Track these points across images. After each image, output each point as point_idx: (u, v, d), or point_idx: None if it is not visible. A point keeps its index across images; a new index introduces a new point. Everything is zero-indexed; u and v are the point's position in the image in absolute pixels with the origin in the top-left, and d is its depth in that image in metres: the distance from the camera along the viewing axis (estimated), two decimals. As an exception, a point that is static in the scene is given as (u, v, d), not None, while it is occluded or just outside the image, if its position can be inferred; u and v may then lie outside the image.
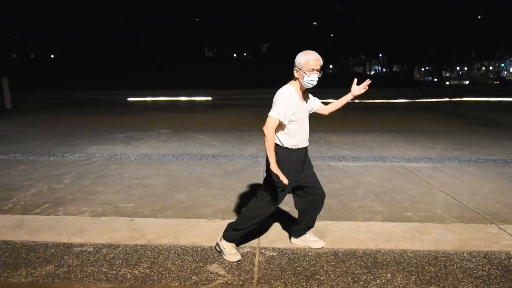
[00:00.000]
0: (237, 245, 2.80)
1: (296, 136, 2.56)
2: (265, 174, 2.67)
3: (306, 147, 2.67)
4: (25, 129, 9.29)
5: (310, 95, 2.76)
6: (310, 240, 2.92)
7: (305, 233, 2.93)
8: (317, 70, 2.44)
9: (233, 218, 3.48)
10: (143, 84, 27.26)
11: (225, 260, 2.67)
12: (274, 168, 2.39)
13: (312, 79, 2.45)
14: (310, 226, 2.91)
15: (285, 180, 2.37)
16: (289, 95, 2.48)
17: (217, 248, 2.79)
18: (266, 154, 2.49)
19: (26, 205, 3.83)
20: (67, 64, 36.52)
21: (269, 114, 2.44)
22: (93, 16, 36.11)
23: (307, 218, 2.82)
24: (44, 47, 41.67)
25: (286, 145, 2.57)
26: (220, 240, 2.75)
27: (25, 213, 3.61)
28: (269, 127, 2.42)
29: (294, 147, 2.58)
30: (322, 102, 2.88)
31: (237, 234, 2.69)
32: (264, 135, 2.44)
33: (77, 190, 4.33)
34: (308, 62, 2.43)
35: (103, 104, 17.28)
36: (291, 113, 2.46)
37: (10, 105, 14.82)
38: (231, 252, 2.69)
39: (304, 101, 2.63)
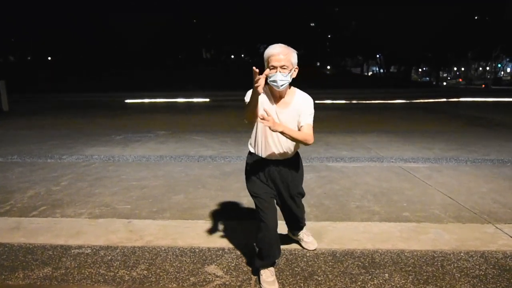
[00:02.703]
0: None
1: (255, 141, 2.33)
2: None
3: (273, 161, 2.29)
4: (22, 132, 9.26)
5: (304, 109, 2.18)
6: (302, 240, 2.89)
7: (298, 232, 2.88)
8: (281, 67, 2.00)
9: (231, 220, 3.49)
10: (141, 86, 27.25)
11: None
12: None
13: (273, 79, 2.02)
14: (297, 229, 2.85)
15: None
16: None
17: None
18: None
19: (23, 207, 3.82)
20: (64, 66, 36.47)
21: None
22: (90, 18, 36.06)
23: (289, 224, 2.80)
24: (41, 50, 41.58)
25: (250, 149, 2.45)
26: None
27: (22, 215, 3.59)
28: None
29: (252, 151, 2.36)
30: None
31: (260, 256, 2.41)
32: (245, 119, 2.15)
33: (75, 192, 4.32)
34: (269, 58, 2.03)
35: (100, 106, 17.25)
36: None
37: (7, 107, 14.79)
38: (267, 280, 2.35)
39: (279, 109, 2.19)
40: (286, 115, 2.17)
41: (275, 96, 2.20)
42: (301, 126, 2.17)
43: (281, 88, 2.07)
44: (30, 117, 12.89)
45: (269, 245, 2.35)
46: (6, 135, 8.77)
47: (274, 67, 2.01)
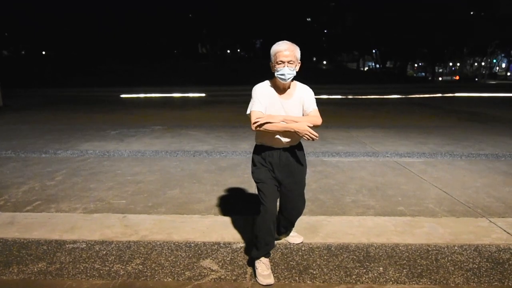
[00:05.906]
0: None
1: (264, 135, 2.37)
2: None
3: (282, 149, 2.43)
4: (17, 127, 9.19)
5: (307, 98, 2.39)
6: (288, 236, 2.93)
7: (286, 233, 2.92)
8: (288, 62, 2.20)
9: (226, 214, 3.49)
10: (136, 81, 27.12)
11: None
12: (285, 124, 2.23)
13: (282, 73, 2.21)
14: (287, 231, 2.88)
15: (311, 132, 2.18)
16: (260, 88, 2.33)
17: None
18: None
19: (18, 202, 3.80)
20: (59, 61, 36.17)
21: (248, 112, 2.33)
22: (86, 13, 35.73)
23: (281, 226, 2.75)
24: (35, 44, 41.14)
25: (256, 142, 2.49)
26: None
27: (16, 210, 3.57)
28: (252, 121, 2.28)
29: (261, 144, 2.42)
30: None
31: (256, 246, 2.45)
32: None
33: (69, 187, 4.30)
34: (276, 54, 2.22)
35: (95, 101, 17.14)
36: (263, 104, 2.30)
37: (1, 102, 14.66)
38: (262, 273, 2.38)
39: (283, 100, 2.35)
40: (290, 105, 2.35)
41: (279, 88, 2.36)
42: (309, 112, 2.37)
43: (287, 80, 2.26)
44: (25, 112, 12.79)
45: (267, 231, 2.37)
46: (0, 130, 8.70)
47: (282, 62, 2.20)
